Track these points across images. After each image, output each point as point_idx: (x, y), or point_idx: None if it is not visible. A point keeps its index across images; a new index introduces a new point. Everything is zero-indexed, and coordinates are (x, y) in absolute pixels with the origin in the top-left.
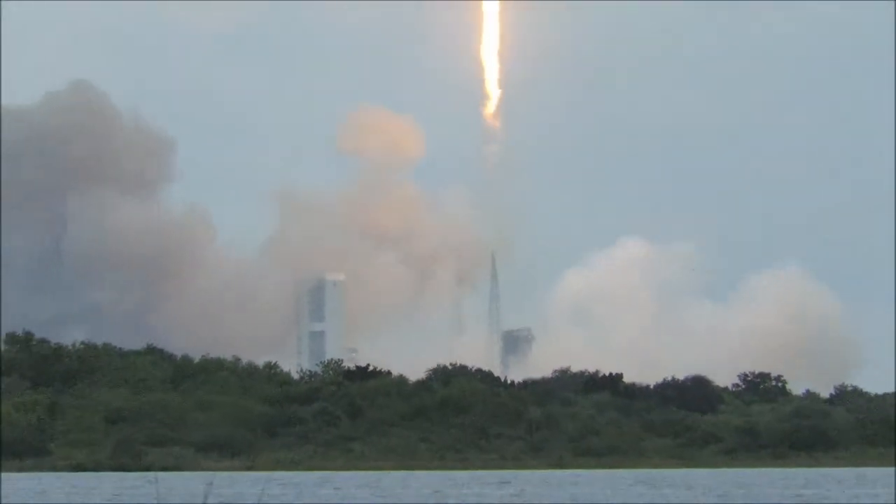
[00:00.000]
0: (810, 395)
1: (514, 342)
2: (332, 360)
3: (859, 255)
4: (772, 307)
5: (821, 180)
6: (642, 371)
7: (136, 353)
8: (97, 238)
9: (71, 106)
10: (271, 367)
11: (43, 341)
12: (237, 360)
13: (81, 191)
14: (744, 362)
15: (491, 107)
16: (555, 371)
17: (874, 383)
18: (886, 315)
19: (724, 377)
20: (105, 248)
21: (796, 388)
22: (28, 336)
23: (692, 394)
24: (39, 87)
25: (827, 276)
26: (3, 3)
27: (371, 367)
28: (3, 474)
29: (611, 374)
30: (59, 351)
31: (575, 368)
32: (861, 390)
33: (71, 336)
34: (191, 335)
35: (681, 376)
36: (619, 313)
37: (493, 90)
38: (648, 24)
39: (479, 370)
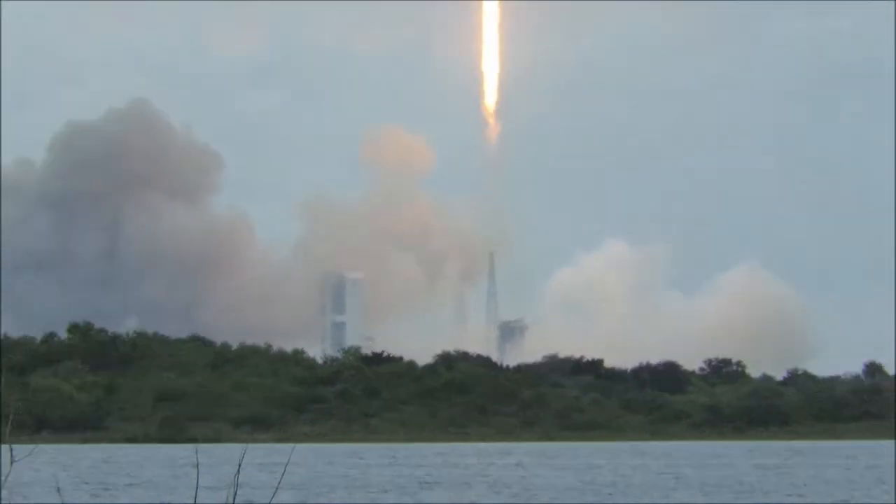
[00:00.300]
0: (766, 378)
1: (509, 332)
2: (351, 347)
3: (812, 254)
4: (735, 300)
5: (779, 188)
6: (621, 357)
7: (182, 341)
8: (150, 239)
9: (130, 122)
10: (299, 353)
11: (101, 330)
12: (269, 346)
13: (137, 197)
14: (709, 349)
15: (490, 122)
16: (545, 357)
17: (822, 367)
18: (835, 307)
19: (692, 362)
20: (157, 248)
21: (754, 371)
22: (88, 325)
23: (664, 376)
24: (103, 105)
25: (784, 272)
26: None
27: (385, 353)
28: (68, 445)
29: (593, 359)
30: (115, 339)
31: (562, 355)
32: (810, 374)
33: (126, 326)
34: (229, 325)
35: (654, 361)
36: (602, 306)
37: (492, 103)
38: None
39: (479, 356)
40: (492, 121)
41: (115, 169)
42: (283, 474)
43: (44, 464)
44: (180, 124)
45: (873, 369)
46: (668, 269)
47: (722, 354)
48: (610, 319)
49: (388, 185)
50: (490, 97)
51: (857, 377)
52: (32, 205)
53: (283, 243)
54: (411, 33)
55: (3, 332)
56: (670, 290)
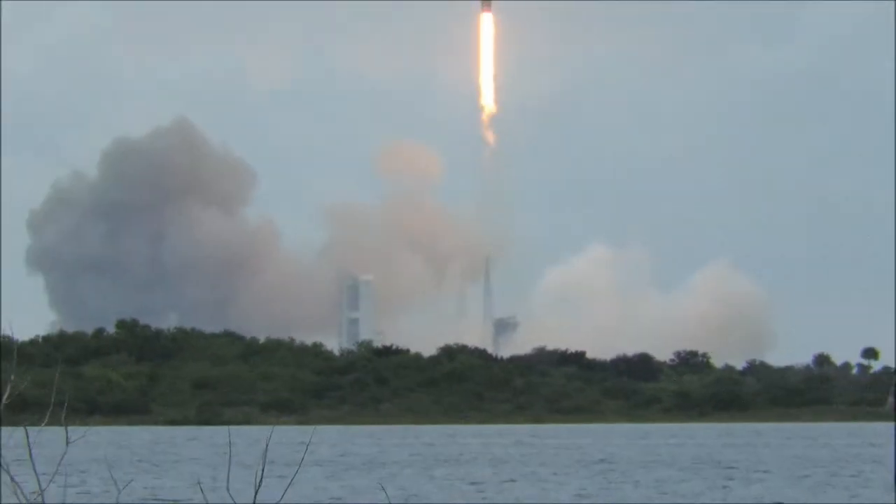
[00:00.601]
0: (728, 368)
1: (503, 327)
2: (364, 340)
3: (775, 256)
4: (703, 298)
5: (745, 195)
6: (601, 349)
7: (216, 335)
8: (189, 245)
9: (173, 139)
10: (318, 346)
11: (145, 326)
12: (292, 340)
13: (178, 207)
14: (679, 342)
15: (488, 136)
16: (534, 349)
17: (778, 358)
18: (792, 303)
19: (664, 354)
20: (195, 253)
21: (718, 362)
22: (134, 322)
23: (638, 367)
24: (149, 124)
25: (749, 272)
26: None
27: (394, 346)
28: (117, 427)
29: (577, 351)
30: (157, 333)
31: (550, 347)
32: (767, 364)
33: (167, 322)
34: (258, 321)
35: (630, 353)
36: (585, 304)
37: (489, 117)
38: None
39: (476, 349)
40: (489, 135)
41: (159, 181)
42: (304, 452)
43: (96, 444)
44: (218, 142)
45: (822, 360)
46: (645, 270)
47: (690, 347)
48: (592, 316)
49: (400, 193)
50: (487, 112)
51: (807, 367)
52: (85, 214)
53: (305, 248)
54: (416, 56)
55: (59, 327)
56: (647, 290)
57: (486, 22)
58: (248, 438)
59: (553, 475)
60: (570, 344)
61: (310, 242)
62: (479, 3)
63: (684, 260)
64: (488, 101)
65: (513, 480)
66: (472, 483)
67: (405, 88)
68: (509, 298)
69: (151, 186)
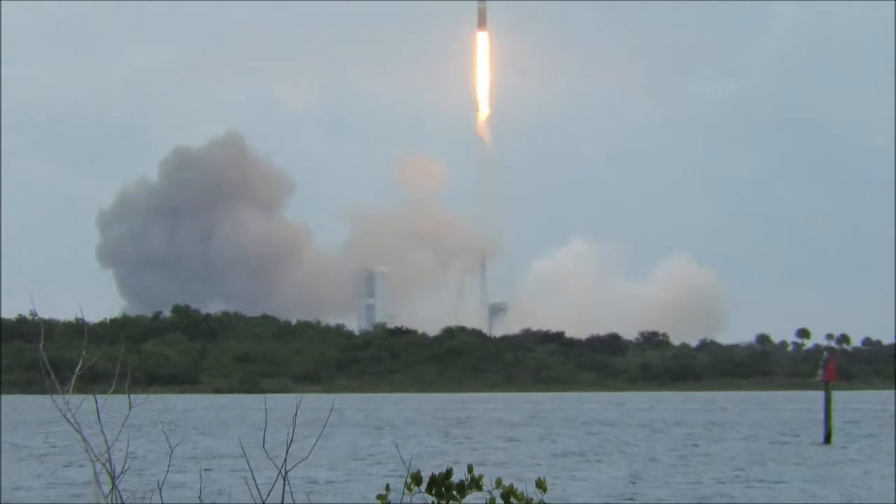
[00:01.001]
0: (684, 345)
1: (495, 311)
2: (379, 322)
3: (726, 249)
4: (665, 286)
5: (702, 199)
6: (578, 329)
7: (255, 318)
8: (235, 242)
9: (225, 150)
10: (341, 327)
11: (196, 310)
12: (318, 322)
13: (227, 210)
14: (643, 323)
15: (484, 146)
16: (522, 330)
17: (726, 337)
18: (741, 292)
19: (630, 333)
20: (240, 249)
21: (675, 340)
22: (186, 307)
23: (608, 344)
24: (204, 137)
25: (707, 263)
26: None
27: (404, 327)
28: (171, 395)
29: (557, 331)
30: (206, 317)
31: (535, 328)
32: (716, 342)
33: (214, 307)
34: (290, 306)
35: (602, 333)
36: (566, 291)
37: (484, 132)
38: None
39: (473, 329)
40: (486, 147)
41: (211, 187)
42: (328, 415)
43: (152, 409)
44: (262, 154)
45: (763, 339)
46: (617, 262)
47: (652, 328)
48: (571, 301)
49: (411, 199)
50: (483, 126)
51: (751, 345)
52: (148, 215)
53: (331, 244)
54: (423, 78)
55: (123, 312)
56: (617, 279)
57: (482, 40)
58: (282, 404)
59: (547, 433)
60: (552, 325)
61: (335, 240)
62: (475, 23)
63: (649, 253)
64: (484, 116)
65: (512, 440)
66: (478, 441)
67: (415, 108)
68: (501, 287)
69: (204, 191)
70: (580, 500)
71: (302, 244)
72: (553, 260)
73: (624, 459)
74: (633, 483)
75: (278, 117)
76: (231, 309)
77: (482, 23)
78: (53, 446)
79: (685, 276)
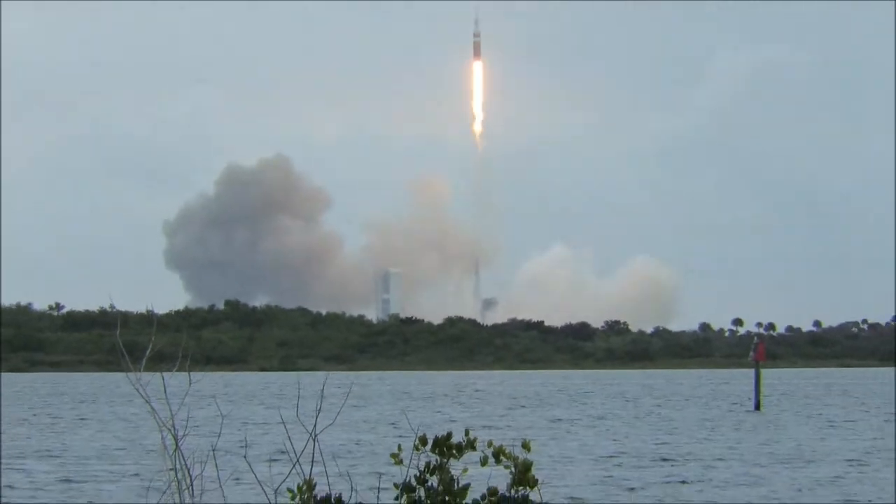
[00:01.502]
0: (640, 332)
1: (488, 304)
2: (393, 313)
3: (679, 253)
4: (628, 282)
5: (660, 213)
6: (555, 319)
7: (293, 310)
8: (279, 247)
9: (272, 169)
10: (362, 317)
11: (244, 304)
12: (344, 313)
13: (272, 219)
14: (609, 314)
15: (480, 165)
16: (509, 319)
17: (676, 325)
18: (688, 288)
19: (597, 322)
20: (283, 252)
21: (634, 328)
22: (237, 301)
23: (579, 331)
24: (255, 155)
25: (660, 266)
26: None
27: (413, 317)
28: (223, 373)
29: (538, 321)
30: (254, 309)
31: (519, 318)
32: (668, 329)
33: (259, 301)
34: (322, 300)
35: (574, 322)
36: (546, 288)
37: (480, 152)
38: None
39: (470, 319)
40: (481, 165)
41: (259, 200)
42: (349, 388)
43: (208, 384)
44: (303, 173)
45: (705, 327)
46: (589, 264)
47: (615, 317)
48: (549, 296)
49: (420, 212)
50: (480, 148)
51: (695, 331)
52: (206, 225)
53: (355, 249)
54: (427, 107)
55: (186, 305)
56: (589, 278)
57: (477, 70)
58: (313, 381)
59: (541, 404)
60: (534, 316)
61: (359, 246)
62: (471, 54)
63: (615, 257)
64: (480, 139)
65: (512, 409)
66: (475, 410)
67: (424, 134)
68: (493, 285)
69: (254, 205)
70: (579, 456)
71: (333, 250)
72: (536, 263)
73: (606, 424)
74: (615, 440)
75: (316, 143)
76: (273, 302)
77: (477, 53)
78: (131, 415)
79: (643, 276)
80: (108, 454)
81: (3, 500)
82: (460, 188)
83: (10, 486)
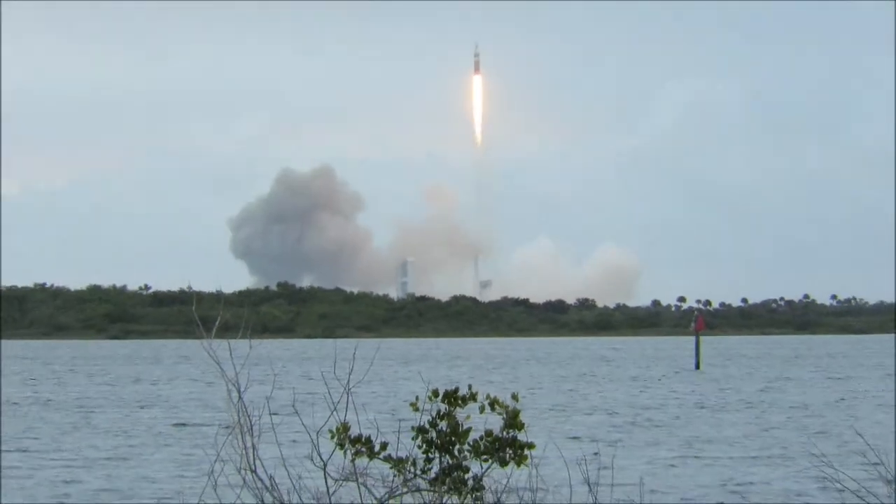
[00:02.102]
0: (605, 308)
1: (485, 285)
2: (410, 293)
3: (638, 242)
4: (597, 266)
5: (621, 209)
6: (538, 296)
7: (331, 290)
8: (321, 240)
9: (318, 177)
10: (386, 296)
11: (292, 284)
12: (371, 292)
13: (317, 217)
14: (580, 293)
15: (480, 174)
16: (502, 297)
17: (633, 301)
18: (645, 271)
19: (572, 299)
20: (324, 245)
21: (600, 304)
22: (286, 282)
23: (557, 306)
24: (309, 165)
25: (623, 252)
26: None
27: (426, 296)
28: (276, 340)
29: (525, 298)
30: (300, 289)
31: (510, 296)
32: (628, 305)
33: (305, 282)
34: (354, 281)
35: (553, 299)
36: (532, 272)
37: (479, 162)
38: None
39: (471, 297)
40: (481, 175)
41: (307, 201)
42: (377, 351)
43: (264, 349)
44: (343, 180)
45: (656, 303)
46: (566, 253)
47: (585, 295)
48: (535, 279)
49: (433, 213)
50: (481, 158)
51: (648, 307)
52: (265, 221)
53: (382, 243)
54: (437, 124)
55: (247, 286)
56: (565, 263)
57: (477, 84)
58: (348, 346)
59: (532, 363)
60: (521, 294)
61: (384, 239)
62: (472, 69)
63: (586, 245)
64: (481, 149)
65: (515, 368)
66: (481, 368)
67: (434, 146)
68: (489, 270)
69: (302, 205)
70: (577, 405)
71: (364, 242)
72: (525, 252)
73: (594, 378)
74: (602, 394)
75: (351, 158)
76: (316, 284)
77: (477, 69)
78: (201, 374)
79: (608, 261)
80: (188, 406)
81: (138, 430)
82: (464, 195)
83: (133, 427)
